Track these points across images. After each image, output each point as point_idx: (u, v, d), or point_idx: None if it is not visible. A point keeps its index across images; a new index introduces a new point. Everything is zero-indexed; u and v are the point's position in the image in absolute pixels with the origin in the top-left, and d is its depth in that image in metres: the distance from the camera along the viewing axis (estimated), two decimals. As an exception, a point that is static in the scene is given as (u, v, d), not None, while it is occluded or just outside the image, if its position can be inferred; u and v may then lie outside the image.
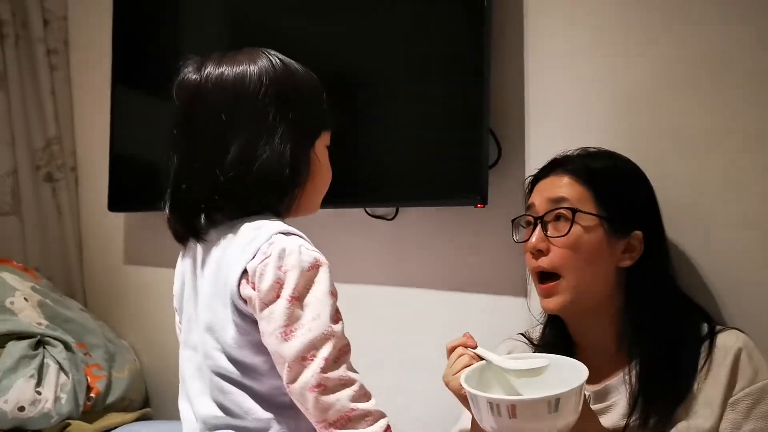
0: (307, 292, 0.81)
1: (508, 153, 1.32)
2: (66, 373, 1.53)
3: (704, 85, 1.11)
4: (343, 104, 1.45)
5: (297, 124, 0.87)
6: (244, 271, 0.82)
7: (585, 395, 0.99)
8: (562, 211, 1.00)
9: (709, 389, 0.94)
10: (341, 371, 0.79)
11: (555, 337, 1.10)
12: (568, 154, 1.08)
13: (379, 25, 1.42)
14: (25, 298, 1.62)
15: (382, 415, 0.81)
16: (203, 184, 0.86)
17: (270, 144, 0.84)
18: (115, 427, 1.58)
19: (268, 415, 0.83)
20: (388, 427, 0.81)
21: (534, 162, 1.22)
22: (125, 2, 1.99)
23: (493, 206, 1.27)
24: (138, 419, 1.64)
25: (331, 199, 1.48)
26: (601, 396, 1.02)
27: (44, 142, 2.12)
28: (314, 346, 0.78)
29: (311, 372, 0.78)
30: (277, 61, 0.88)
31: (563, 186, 1.02)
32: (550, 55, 1.28)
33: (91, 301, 2.17)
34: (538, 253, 1.01)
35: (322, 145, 0.92)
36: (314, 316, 0.80)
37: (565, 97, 1.26)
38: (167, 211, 0.89)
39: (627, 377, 1.00)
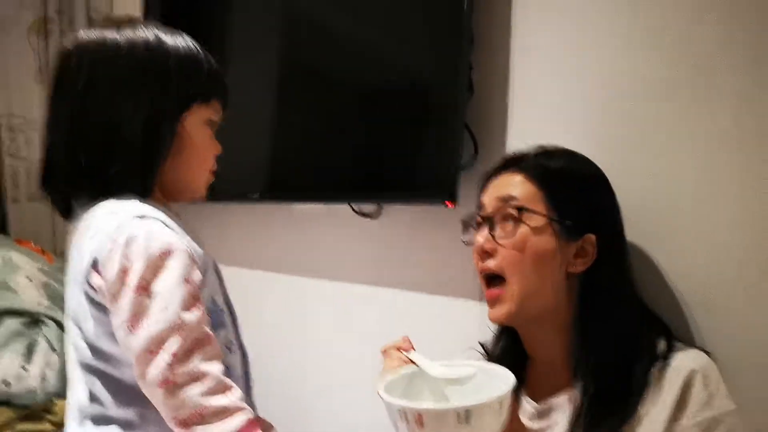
0: (155, 280, 0.76)
1: (486, 151, 1.25)
2: (57, 353, 1.58)
3: (687, 86, 1.01)
4: (324, 98, 1.46)
5: (156, 95, 0.83)
6: (94, 260, 0.78)
7: (516, 409, 0.92)
8: (509, 210, 0.93)
9: (655, 412, 0.84)
10: (192, 365, 0.74)
11: (506, 348, 1.03)
12: (524, 151, 1.00)
13: (356, 16, 1.38)
14: (28, 278, 1.68)
15: (242, 409, 0.75)
16: (63, 159, 0.83)
17: (122, 115, 0.81)
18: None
19: (134, 404, 0.80)
20: (251, 421, 0.75)
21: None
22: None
23: (471, 207, 1.21)
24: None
25: (301, 194, 1.48)
26: (545, 414, 0.94)
27: (80, 134, 2.22)
28: (161, 339, 0.74)
29: (158, 367, 0.73)
30: (145, 31, 0.85)
31: (514, 184, 0.95)
32: (536, 50, 1.20)
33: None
34: (485, 254, 0.95)
35: (196, 119, 0.87)
36: (162, 307, 0.75)
37: (548, 95, 1.18)
38: (40, 187, 0.87)
39: (572, 395, 0.91)
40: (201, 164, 0.90)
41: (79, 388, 0.83)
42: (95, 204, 0.83)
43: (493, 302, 0.94)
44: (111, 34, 0.85)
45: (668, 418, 0.83)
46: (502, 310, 0.93)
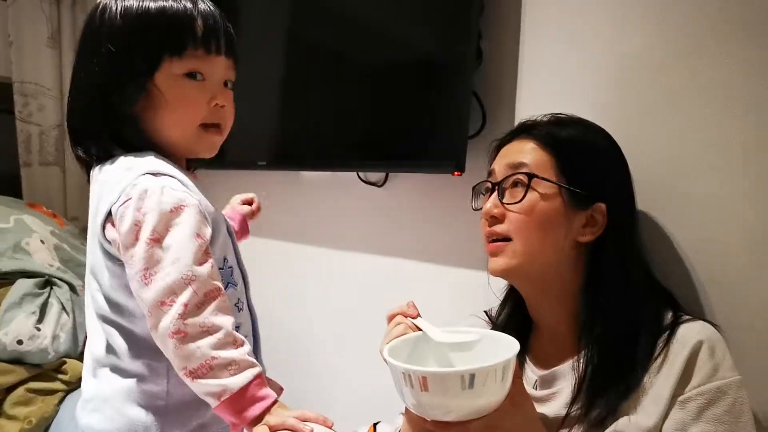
0: (168, 234, 0.77)
1: (495, 120, 1.24)
2: (68, 314, 1.60)
3: (697, 55, 0.99)
4: (332, 66, 1.44)
5: (123, 54, 0.82)
6: (109, 214, 0.80)
7: (521, 376, 0.93)
8: (519, 176, 0.92)
9: (660, 384, 0.84)
10: (203, 317, 0.75)
11: (511, 316, 1.03)
12: (537, 119, 0.99)
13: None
14: (41, 240, 1.70)
15: (251, 365, 0.76)
16: (71, 120, 0.88)
17: (98, 77, 0.83)
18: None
19: (145, 357, 0.82)
20: (258, 377, 0.76)
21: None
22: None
23: (478, 176, 1.20)
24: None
25: (309, 161, 1.48)
26: (548, 382, 0.94)
27: (92, 99, 2.23)
28: (173, 291, 0.75)
29: (170, 318, 0.74)
30: None
31: (526, 151, 0.94)
32: (547, 19, 1.18)
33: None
34: (493, 219, 0.94)
35: (170, 74, 0.84)
36: (174, 259, 0.76)
37: (559, 64, 1.17)
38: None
39: (576, 363, 0.91)
40: (181, 119, 0.86)
41: (97, 339, 0.86)
42: (112, 159, 0.85)
43: (493, 255, 0.94)
44: (100, 1, 0.86)
45: (673, 388, 0.82)
46: (500, 261, 0.93)
